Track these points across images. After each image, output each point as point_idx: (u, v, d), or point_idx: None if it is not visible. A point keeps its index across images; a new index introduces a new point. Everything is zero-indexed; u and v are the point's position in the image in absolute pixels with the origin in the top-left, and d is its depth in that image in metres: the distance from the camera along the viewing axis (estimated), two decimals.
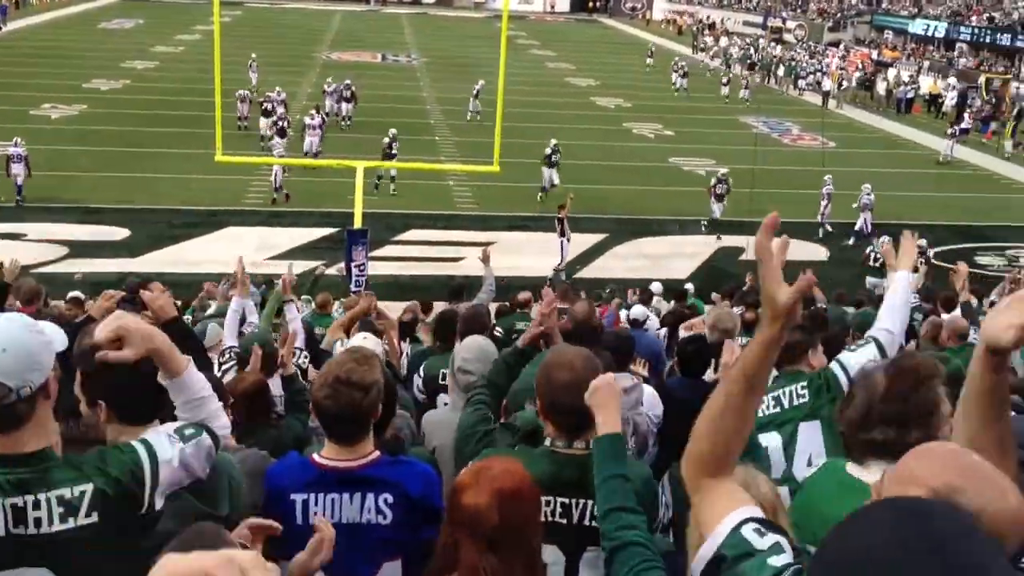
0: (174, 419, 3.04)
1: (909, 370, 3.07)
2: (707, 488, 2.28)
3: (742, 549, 2.10)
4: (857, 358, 4.68)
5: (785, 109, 42.09)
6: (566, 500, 3.22)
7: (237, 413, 4.53)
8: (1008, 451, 2.24)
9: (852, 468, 2.99)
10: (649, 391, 5.84)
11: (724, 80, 43.76)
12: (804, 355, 5.15)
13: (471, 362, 4.84)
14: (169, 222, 23.14)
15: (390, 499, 3.31)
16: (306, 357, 7.15)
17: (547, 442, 3.30)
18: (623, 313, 12.57)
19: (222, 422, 3.16)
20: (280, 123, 27.70)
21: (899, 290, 4.92)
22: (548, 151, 25.93)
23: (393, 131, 26.21)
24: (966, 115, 38.79)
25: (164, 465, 2.74)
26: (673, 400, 5.96)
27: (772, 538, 2.12)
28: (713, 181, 24.32)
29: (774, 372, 4.71)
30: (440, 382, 6.37)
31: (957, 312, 10.07)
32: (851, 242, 23.81)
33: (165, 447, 2.78)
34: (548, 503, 3.17)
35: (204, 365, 5.33)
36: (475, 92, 34.62)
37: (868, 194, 24.32)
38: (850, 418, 3.04)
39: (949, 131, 33.65)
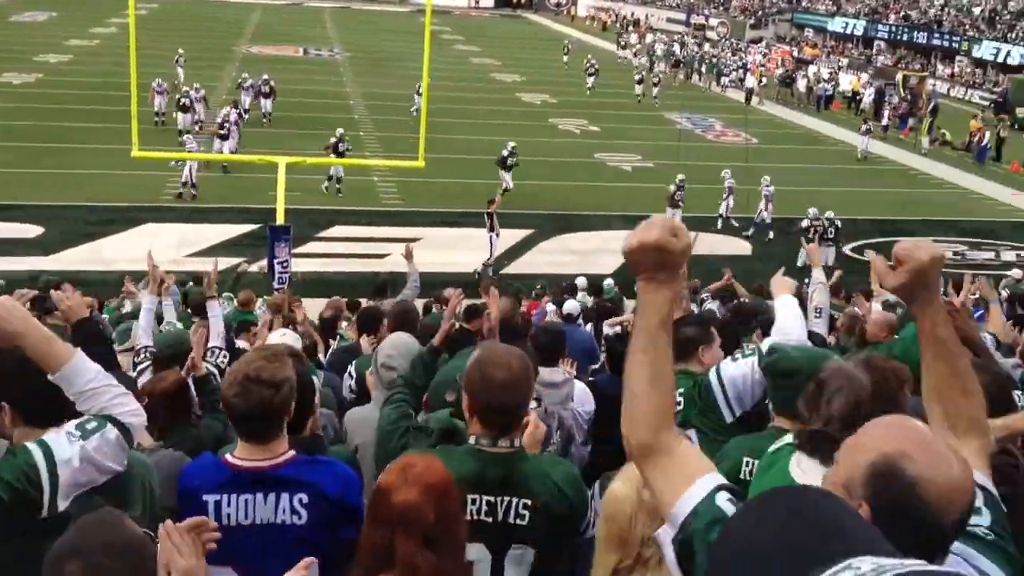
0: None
1: (889, 372, 3.13)
2: (665, 450, 2.19)
3: (719, 516, 2.02)
4: (736, 369, 4.64)
5: (708, 106, 42.55)
6: (491, 498, 3.19)
7: (155, 413, 4.42)
8: (970, 392, 2.41)
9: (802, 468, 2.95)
10: (580, 387, 5.81)
11: (637, 78, 43.68)
12: (696, 352, 5.05)
13: (395, 358, 4.82)
14: (84, 219, 22.55)
15: (305, 499, 3.23)
16: (225, 356, 6.96)
17: (472, 440, 3.26)
18: (550, 308, 12.54)
19: (130, 408, 3.01)
20: (198, 120, 27.26)
21: (785, 306, 4.95)
22: (505, 153, 25.58)
23: (340, 130, 25.80)
24: (885, 112, 39.57)
25: (63, 466, 2.61)
26: (604, 398, 5.91)
27: None
28: (672, 188, 23.81)
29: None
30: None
31: (878, 305, 10.19)
32: (770, 235, 24.09)
33: (63, 447, 2.64)
34: (474, 501, 3.15)
35: (110, 365, 5.18)
36: (418, 88, 34.19)
37: (767, 186, 24.55)
38: (832, 415, 2.98)
39: (863, 128, 34.03)
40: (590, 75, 44.01)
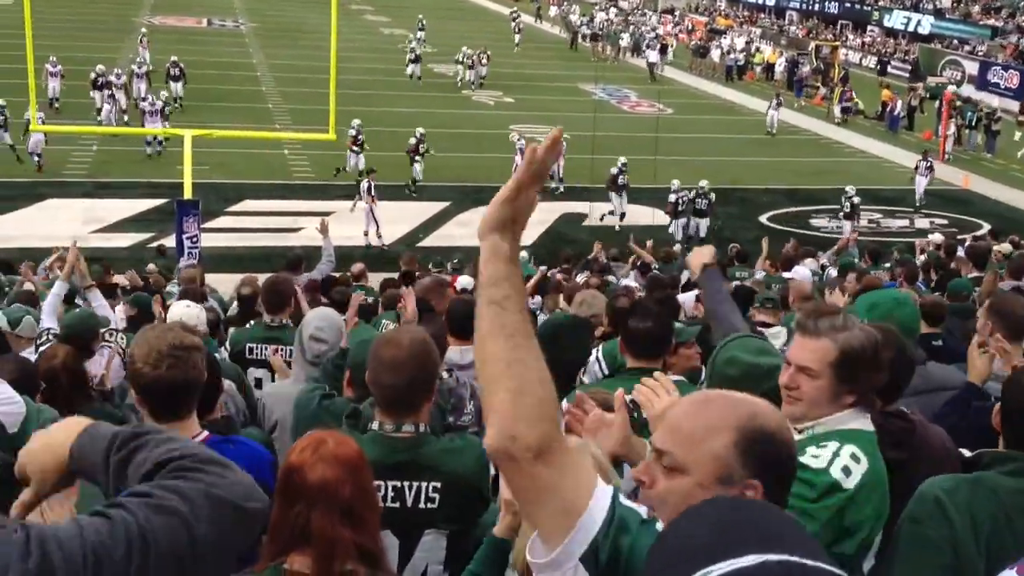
0: None
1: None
2: (564, 445, 1.92)
3: (634, 518, 1.91)
4: None
5: (623, 76, 42.60)
6: (398, 483, 3.15)
7: (55, 394, 4.24)
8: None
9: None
10: None
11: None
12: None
13: (326, 330, 4.75)
14: None
15: None
16: (123, 338, 6.72)
17: (375, 425, 3.20)
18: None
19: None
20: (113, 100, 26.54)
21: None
22: (413, 141, 24.27)
23: (357, 121, 24.56)
24: (800, 79, 40.21)
25: None
26: None
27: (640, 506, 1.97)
28: (614, 172, 22.80)
29: (628, 360, 4.49)
30: (248, 356, 6.02)
31: (796, 272, 10.30)
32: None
33: None
34: (380, 488, 3.07)
35: (4, 349, 4.95)
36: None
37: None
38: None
39: (774, 102, 33.40)
40: (516, 32, 47.24)
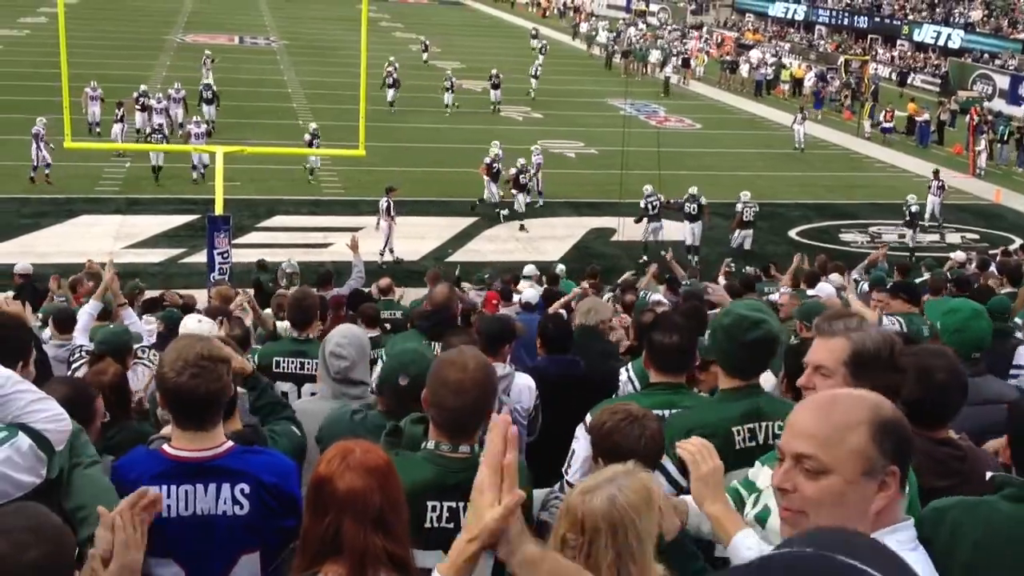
0: None
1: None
2: None
3: None
4: None
5: (651, 92, 42.57)
6: (452, 504, 3.08)
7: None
8: None
9: None
10: (521, 383, 5.64)
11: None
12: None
13: (346, 347, 4.67)
14: (18, 211, 22.03)
15: (247, 489, 3.14)
16: (155, 355, 6.79)
17: (431, 444, 3.15)
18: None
19: (46, 414, 2.86)
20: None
21: None
22: (514, 171, 23.49)
23: (496, 148, 24.58)
24: (826, 92, 39.98)
25: None
26: (545, 381, 5.84)
27: None
28: (642, 204, 22.04)
29: (652, 374, 4.49)
30: (275, 370, 6.06)
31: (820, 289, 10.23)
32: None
33: None
34: (434, 508, 3.06)
35: (45, 370, 5.04)
36: (387, 78, 33.53)
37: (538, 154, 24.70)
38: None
39: (798, 116, 33.30)
40: (533, 37, 49.05)
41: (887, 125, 34.31)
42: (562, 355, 6.24)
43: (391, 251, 20.63)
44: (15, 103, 30.20)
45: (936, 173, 25.25)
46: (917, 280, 13.91)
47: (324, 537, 2.45)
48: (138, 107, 28.00)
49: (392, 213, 20.67)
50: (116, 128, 26.44)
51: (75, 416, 3.64)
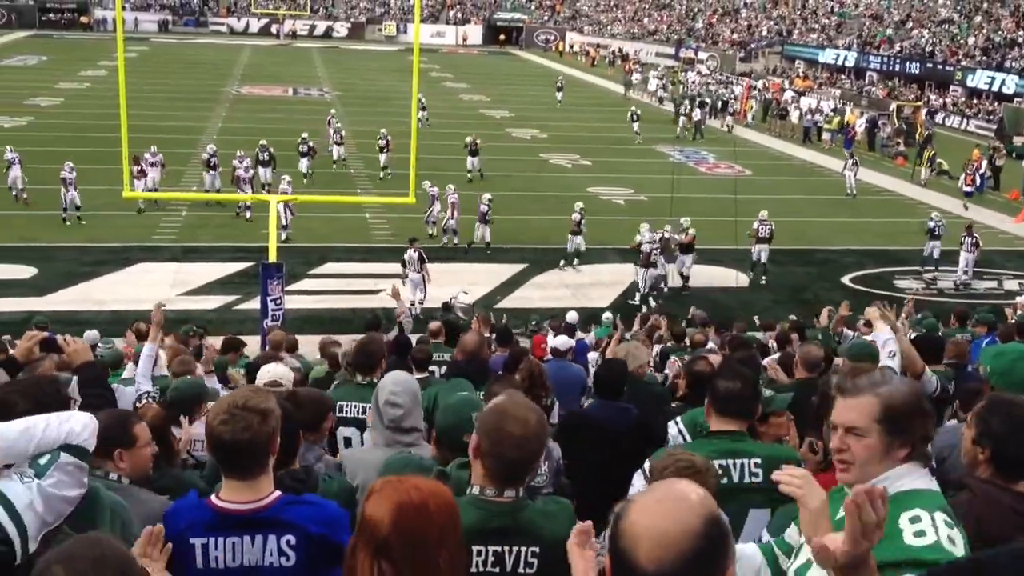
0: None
1: None
2: None
3: None
4: None
5: (691, 138, 42.56)
6: (498, 548, 3.11)
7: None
8: None
9: None
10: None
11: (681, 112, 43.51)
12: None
13: (400, 395, 4.64)
14: (78, 260, 22.49)
15: (293, 540, 3.15)
16: (153, 396, 6.83)
17: (475, 490, 3.16)
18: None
19: (74, 426, 2.93)
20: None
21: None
22: (577, 216, 23.81)
23: (579, 204, 24.57)
24: (882, 138, 39.60)
25: (25, 511, 2.51)
26: (589, 425, 5.81)
27: None
28: (646, 248, 21.75)
29: (713, 421, 4.45)
30: (339, 414, 6.08)
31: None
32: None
33: (19, 493, 2.54)
34: (479, 552, 3.08)
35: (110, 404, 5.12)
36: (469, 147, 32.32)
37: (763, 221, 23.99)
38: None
39: (849, 162, 33.12)
40: (559, 90, 49.99)
41: (968, 189, 32.04)
42: (614, 400, 6.20)
43: (420, 303, 20.44)
44: (77, 154, 30.91)
45: (969, 228, 24.31)
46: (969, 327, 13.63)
47: (349, 555, 2.51)
48: (209, 168, 27.86)
49: (425, 260, 20.73)
50: (139, 184, 25.27)
51: (113, 439, 3.69)
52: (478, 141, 31.89)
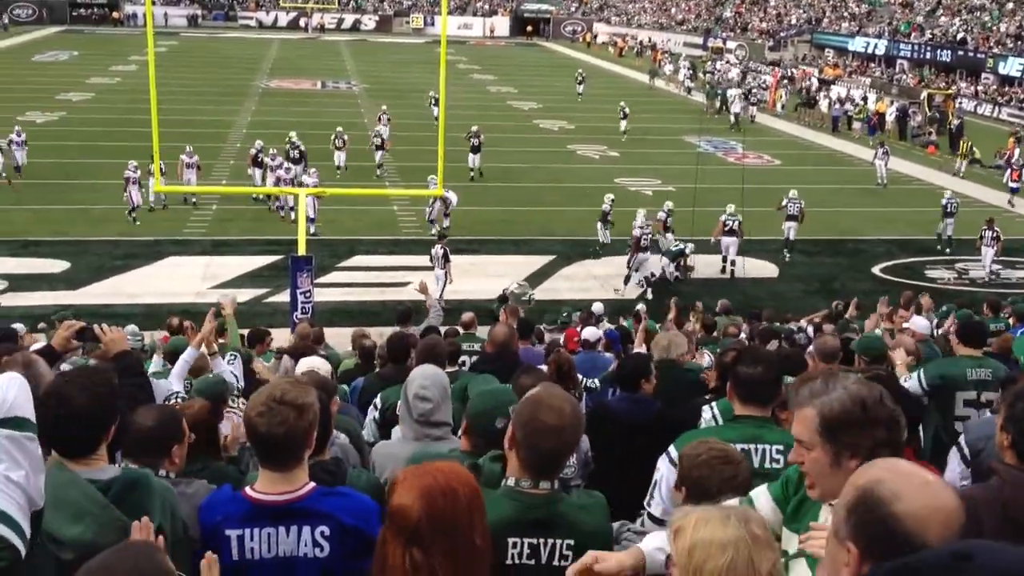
0: None
1: None
2: None
3: None
4: None
5: (728, 128, 42.36)
6: (534, 540, 3.12)
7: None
8: None
9: None
10: None
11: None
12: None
13: (430, 388, 4.65)
14: (109, 253, 22.68)
15: (327, 531, 3.19)
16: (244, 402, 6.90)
17: (511, 482, 3.16)
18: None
19: (4, 397, 2.67)
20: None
21: None
22: (607, 207, 24.02)
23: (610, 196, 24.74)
24: (912, 126, 39.20)
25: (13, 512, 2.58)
26: (609, 417, 5.82)
27: None
28: (637, 234, 21.69)
29: (736, 407, 4.46)
30: (396, 414, 6.12)
31: (914, 323, 9.81)
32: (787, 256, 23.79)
33: None
34: (515, 544, 3.09)
35: (148, 396, 5.19)
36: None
37: (794, 201, 24.10)
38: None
39: (879, 151, 32.77)
40: (579, 83, 49.25)
41: (1015, 185, 30.63)
42: (633, 393, 6.20)
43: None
44: (108, 148, 31.24)
45: (990, 222, 23.32)
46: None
47: (379, 547, 2.54)
48: (255, 164, 27.87)
49: (450, 259, 20.57)
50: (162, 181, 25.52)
51: (166, 434, 3.75)
52: (482, 136, 30.79)
